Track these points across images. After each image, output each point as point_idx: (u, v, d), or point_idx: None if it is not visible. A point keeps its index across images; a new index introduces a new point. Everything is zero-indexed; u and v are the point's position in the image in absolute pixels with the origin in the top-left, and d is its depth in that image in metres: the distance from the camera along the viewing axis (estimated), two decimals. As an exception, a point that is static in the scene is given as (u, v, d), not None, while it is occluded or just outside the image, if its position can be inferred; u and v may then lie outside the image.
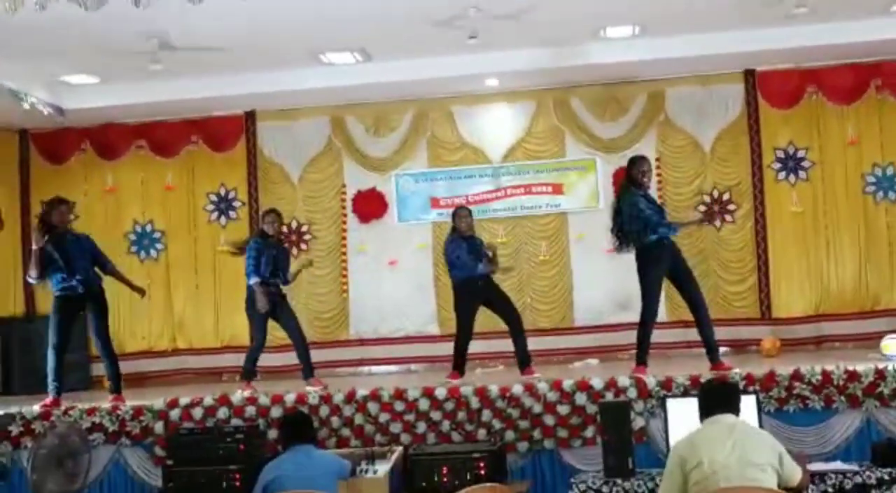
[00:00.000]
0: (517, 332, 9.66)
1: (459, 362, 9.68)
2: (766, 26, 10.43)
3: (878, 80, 11.54)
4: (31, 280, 9.50)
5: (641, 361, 8.85)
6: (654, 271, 8.91)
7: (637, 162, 9.09)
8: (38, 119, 11.51)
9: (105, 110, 11.89)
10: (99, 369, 11.49)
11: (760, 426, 6.64)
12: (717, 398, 5.31)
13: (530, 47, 10.82)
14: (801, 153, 11.73)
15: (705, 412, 5.29)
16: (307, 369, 9.76)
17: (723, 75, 11.77)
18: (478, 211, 11.87)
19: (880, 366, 7.92)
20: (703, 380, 7.85)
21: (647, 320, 8.98)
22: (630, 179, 9.04)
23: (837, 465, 7.01)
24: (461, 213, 9.92)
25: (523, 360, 9.53)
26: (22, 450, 8.34)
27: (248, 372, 9.73)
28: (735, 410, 5.30)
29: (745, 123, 11.84)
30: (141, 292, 9.90)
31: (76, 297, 9.27)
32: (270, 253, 9.81)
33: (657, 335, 11.37)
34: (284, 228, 12.12)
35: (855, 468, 6.89)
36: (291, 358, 10.23)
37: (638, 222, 8.76)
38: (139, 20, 8.41)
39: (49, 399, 9.00)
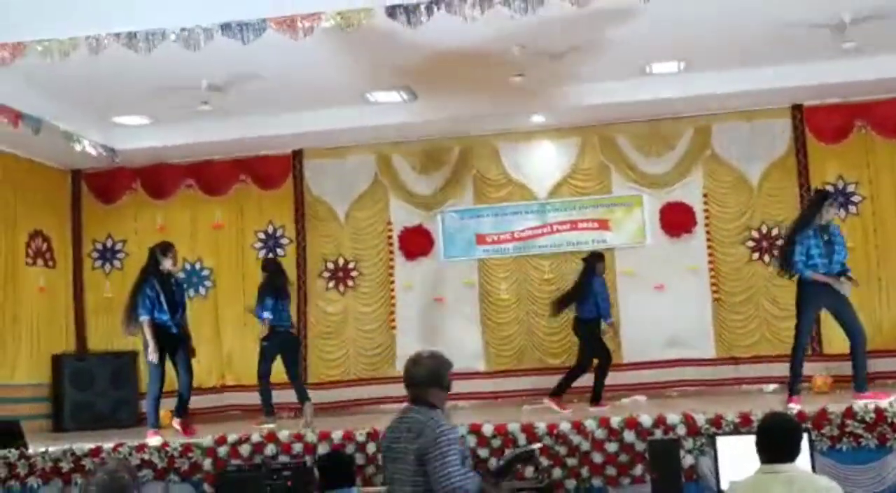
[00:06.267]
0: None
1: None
2: (813, 61, 10.38)
3: (928, 114, 11.44)
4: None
5: (793, 391, 8.92)
6: (803, 308, 9.00)
7: (821, 193, 9.32)
8: (91, 160, 11.73)
9: (156, 150, 12.11)
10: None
11: (813, 465, 6.53)
12: (775, 440, 4.88)
13: (575, 84, 10.84)
14: (850, 188, 11.63)
15: (762, 454, 4.87)
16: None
17: (770, 110, 11.74)
18: (523, 247, 11.96)
19: (935, 404, 7.76)
20: (754, 417, 7.77)
21: (793, 354, 9.05)
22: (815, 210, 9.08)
23: (892, 504, 6.88)
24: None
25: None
26: (72, 486, 8.39)
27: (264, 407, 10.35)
28: (794, 454, 4.87)
29: (794, 158, 11.78)
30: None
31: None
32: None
33: (707, 373, 11.35)
34: (325, 266, 12.26)
35: (910, 507, 6.75)
36: (342, 395, 10.19)
37: (790, 254, 8.89)
38: (189, 62, 8.55)
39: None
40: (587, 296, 10.50)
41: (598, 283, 10.58)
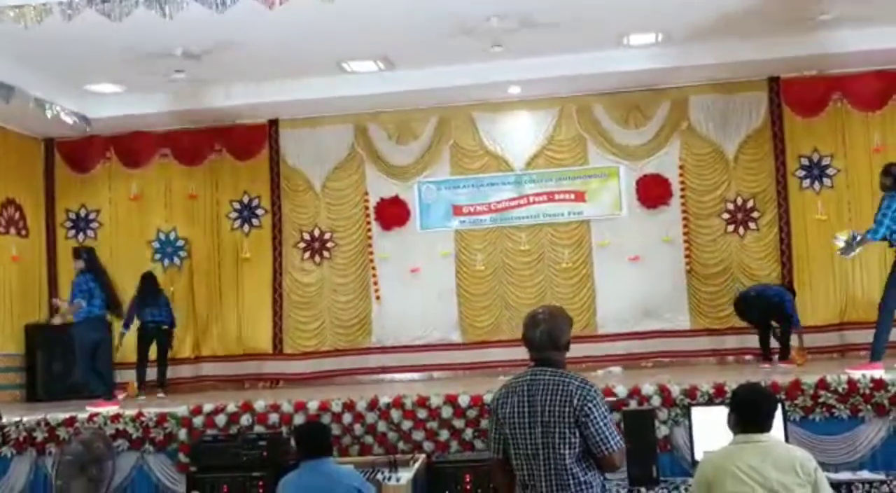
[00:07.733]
0: None
1: None
2: (789, 34, 10.39)
3: (903, 87, 11.47)
4: None
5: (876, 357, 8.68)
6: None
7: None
8: (64, 128, 11.60)
9: (129, 119, 11.98)
10: (122, 376, 11.67)
11: (786, 435, 6.60)
12: (749, 411, 4.89)
13: (553, 55, 10.80)
14: (825, 161, 11.67)
15: (736, 424, 4.90)
16: None
17: (746, 83, 11.74)
18: (500, 218, 11.95)
19: (908, 375, 7.82)
20: (728, 388, 7.80)
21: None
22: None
23: (864, 474, 6.94)
24: None
25: None
26: (47, 456, 8.36)
27: None
28: (768, 425, 4.88)
29: (769, 131, 11.79)
30: None
31: None
32: None
33: (681, 344, 11.41)
34: (301, 236, 12.22)
35: (882, 477, 6.82)
36: (317, 365, 10.13)
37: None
38: (164, 30, 8.46)
39: None
40: None
41: None
